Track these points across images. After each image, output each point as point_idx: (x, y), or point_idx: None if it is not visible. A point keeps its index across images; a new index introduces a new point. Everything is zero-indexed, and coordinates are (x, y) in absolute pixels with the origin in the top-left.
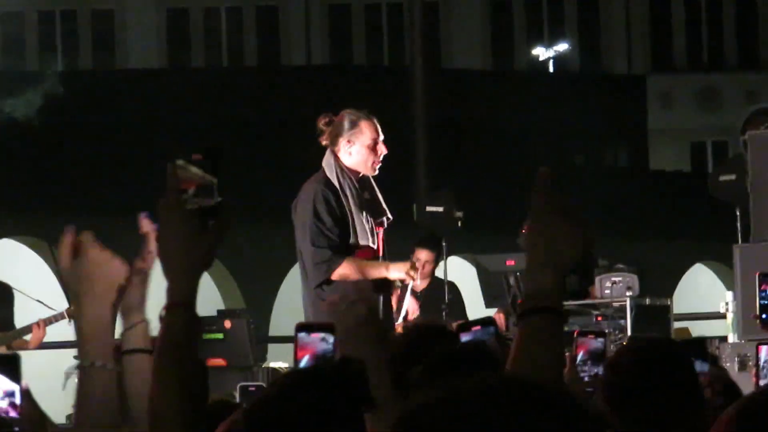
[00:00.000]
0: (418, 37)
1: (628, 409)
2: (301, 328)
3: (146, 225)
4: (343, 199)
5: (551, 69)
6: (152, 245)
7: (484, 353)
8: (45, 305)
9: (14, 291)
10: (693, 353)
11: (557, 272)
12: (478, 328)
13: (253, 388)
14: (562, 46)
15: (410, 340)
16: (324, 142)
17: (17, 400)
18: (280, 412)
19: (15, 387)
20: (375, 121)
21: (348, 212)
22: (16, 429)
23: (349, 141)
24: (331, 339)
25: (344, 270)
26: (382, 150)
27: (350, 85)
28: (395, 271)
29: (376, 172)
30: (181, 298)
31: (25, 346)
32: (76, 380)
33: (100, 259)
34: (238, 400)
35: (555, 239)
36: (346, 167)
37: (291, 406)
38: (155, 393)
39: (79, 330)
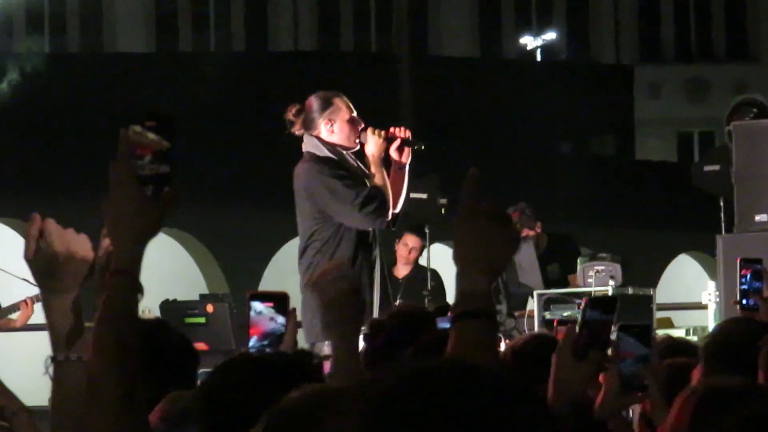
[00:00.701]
0: (406, 24)
1: None
2: (253, 296)
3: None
4: (347, 165)
5: (539, 58)
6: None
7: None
8: (31, 283)
9: None
10: (636, 337)
11: (489, 275)
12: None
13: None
14: (550, 35)
15: (395, 325)
16: (298, 132)
17: None
18: (227, 400)
19: None
20: (344, 97)
21: (358, 175)
22: None
23: (329, 120)
24: (280, 319)
25: (387, 193)
26: (360, 122)
27: (337, 72)
28: (372, 147)
29: (358, 146)
30: (126, 265)
31: (12, 325)
32: (52, 375)
33: (63, 246)
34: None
35: (485, 242)
36: (334, 144)
37: (239, 395)
38: (93, 360)
39: (49, 325)
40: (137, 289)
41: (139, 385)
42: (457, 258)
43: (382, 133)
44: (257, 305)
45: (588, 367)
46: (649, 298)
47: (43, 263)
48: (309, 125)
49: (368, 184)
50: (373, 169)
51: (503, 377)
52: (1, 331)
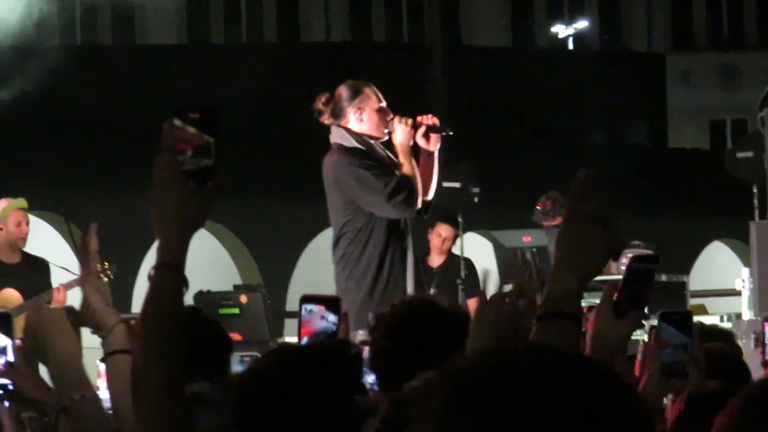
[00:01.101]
0: (438, 14)
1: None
2: (305, 299)
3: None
4: (376, 155)
5: (571, 46)
6: (92, 253)
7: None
8: (69, 271)
9: (48, 263)
10: (677, 326)
11: (581, 279)
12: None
13: (247, 358)
14: (582, 24)
15: (398, 316)
16: (326, 121)
17: (10, 357)
18: (267, 389)
19: (7, 342)
20: (374, 86)
21: (387, 165)
22: (8, 385)
23: (358, 109)
24: (331, 317)
25: (417, 182)
26: (389, 112)
27: (369, 62)
28: (400, 136)
29: (387, 136)
30: (171, 259)
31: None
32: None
33: (49, 326)
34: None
35: (583, 246)
36: (362, 134)
37: (279, 383)
38: (138, 353)
39: (50, 373)
40: (183, 283)
41: (185, 378)
42: (555, 257)
43: (409, 121)
44: (308, 306)
45: (627, 325)
46: (683, 285)
47: (36, 350)
48: (338, 114)
49: (397, 173)
50: (401, 158)
51: (600, 367)
52: None
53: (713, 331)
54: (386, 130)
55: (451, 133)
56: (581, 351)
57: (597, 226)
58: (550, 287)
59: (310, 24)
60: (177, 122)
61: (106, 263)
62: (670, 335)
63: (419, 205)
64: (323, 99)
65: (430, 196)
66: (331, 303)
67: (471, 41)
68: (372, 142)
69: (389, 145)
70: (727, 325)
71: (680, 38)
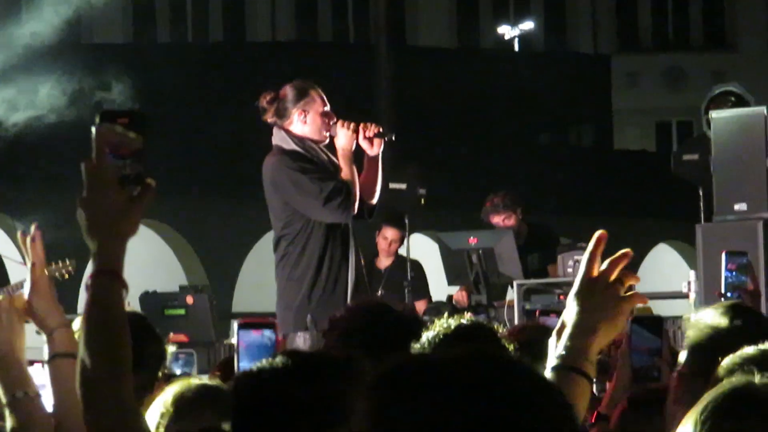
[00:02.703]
0: (383, 13)
1: None
2: (242, 326)
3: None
4: (315, 158)
5: (517, 47)
6: (36, 255)
7: (483, 329)
8: (25, 264)
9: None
10: (649, 330)
11: (598, 340)
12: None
13: (183, 356)
14: (528, 25)
15: (352, 318)
16: (270, 120)
17: None
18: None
19: None
20: (319, 89)
21: (326, 168)
22: None
23: (302, 111)
24: (267, 333)
25: (352, 182)
26: (333, 116)
27: (315, 62)
28: (342, 140)
29: (328, 139)
30: (109, 265)
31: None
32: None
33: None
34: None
35: (602, 312)
36: (302, 137)
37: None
38: (85, 360)
39: None
40: (122, 287)
41: (131, 379)
42: (574, 318)
43: (351, 125)
44: (246, 329)
45: None
46: (630, 288)
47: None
48: (282, 114)
49: (337, 177)
50: (341, 163)
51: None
52: None
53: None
54: (327, 134)
55: (393, 139)
56: (590, 409)
57: (613, 290)
58: (569, 341)
59: (256, 23)
60: (117, 128)
61: (67, 261)
62: (643, 339)
63: (356, 209)
64: (268, 98)
65: (375, 199)
66: (268, 327)
67: (417, 41)
68: (313, 145)
69: (332, 148)
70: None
71: (626, 40)
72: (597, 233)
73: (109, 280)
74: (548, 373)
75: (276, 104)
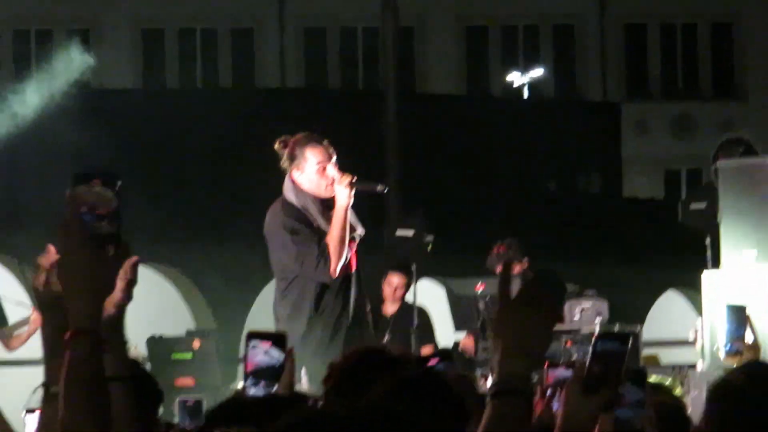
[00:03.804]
0: (392, 61)
1: None
2: (251, 335)
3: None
4: (307, 215)
5: (526, 95)
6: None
7: (440, 384)
8: (25, 304)
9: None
10: (632, 382)
11: (528, 359)
12: (435, 361)
13: (191, 403)
14: (537, 72)
15: (353, 367)
16: (283, 165)
17: None
18: None
19: None
20: (323, 144)
21: (315, 224)
22: None
23: (297, 168)
24: (275, 353)
25: (333, 252)
26: (332, 172)
27: (324, 108)
28: (341, 199)
29: (332, 194)
30: (85, 325)
31: (18, 341)
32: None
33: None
34: (177, 414)
35: (525, 329)
36: (304, 191)
37: None
38: (65, 417)
39: (46, 357)
40: (100, 347)
41: None
42: (499, 343)
43: (346, 179)
44: (253, 342)
45: (597, 403)
46: (636, 335)
47: (49, 296)
48: (290, 162)
49: (318, 242)
50: (333, 220)
51: None
52: (10, 348)
53: (657, 386)
54: (330, 188)
55: (385, 191)
56: (531, 428)
57: (532, 307)
58: (500, 368)
59: (266, 70)
60: (81, 187)
61: None
62: (627, 392)
63: (336, 272)
64: (280, 144)
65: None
66: (276, 339)
67: (426, 88)
68: (309, 202)
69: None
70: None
71: (635, 88)
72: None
73: (86, 339)
74: (488, 402)
75: (287, 151)
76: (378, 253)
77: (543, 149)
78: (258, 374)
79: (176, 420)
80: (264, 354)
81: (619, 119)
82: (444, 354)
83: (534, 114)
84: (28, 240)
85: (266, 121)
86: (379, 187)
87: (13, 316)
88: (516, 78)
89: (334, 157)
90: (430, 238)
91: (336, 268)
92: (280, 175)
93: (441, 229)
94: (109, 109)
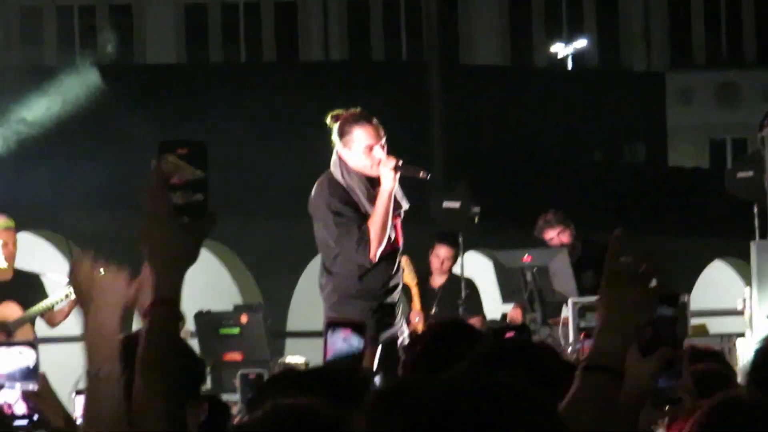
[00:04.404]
0: (436, 32)
1: None
2: (331, 324)
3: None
4: (352, 195)
5: (570, 65)
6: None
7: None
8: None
9: (41, 277)
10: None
11: (625, 336)
12: (512, 334)
13: (252, 376)
14: (581, 43)
15: (433, 338)
16: (334, 138)
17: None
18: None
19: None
20: (373, 123)
21: (359, 205)
22: (34, 416)
23: (345, 146)
24: (355, 341)
25: (374, 237)
26: (378, 154)
27: (368, 81)
28: (386, 182)
29: (377, 174)
30: (166, 294)
31: (57, 318)
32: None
33: (105, 279)
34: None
35: (626, 305)
36: (351, 168)
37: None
38: (139, 387)
39: (85, 338)
40: (178, 318)
41: (186, 410)
42: (599, 316)
43: (391, 162)
44: (333, 329)
45: (655, 362)
46: (684, 305)
47: (82, 281)
48: (337, 138)
49: (360, 225)
50: (377, 203)
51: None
52: (53, 323)
53: (706, 353)
54: (376, 168)
55: (428, 178)
56: (621, 403)
57: (638, 283)
58: (595, 342)
59: (309, 43)
60: (170, 158)
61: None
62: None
63: (376, 256)
64: (332, 118)
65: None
66: (356, 327)
67: (470, 60)
68: (356, 181)
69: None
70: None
71: (679, 57)
72: (615, 232)
73: (166, 309)
74: (576, 376)
75: (338, 125)
76: (425, 225)
77: (587, 120)
78: (337, 361)
79: (236, 395)
80: (343, 341)
81: (663, 89)
82: (520, 327)
83: (578, 84)
84: (74, 216)
85: (310, 95)
86: (423, 174)
87: (54, 292)
88: (560, 48)
89: (383, 138)
90: (476, 209)
91: (376, 252)
92: (325, 149)
93: (487, 200)
94: (153, 85)
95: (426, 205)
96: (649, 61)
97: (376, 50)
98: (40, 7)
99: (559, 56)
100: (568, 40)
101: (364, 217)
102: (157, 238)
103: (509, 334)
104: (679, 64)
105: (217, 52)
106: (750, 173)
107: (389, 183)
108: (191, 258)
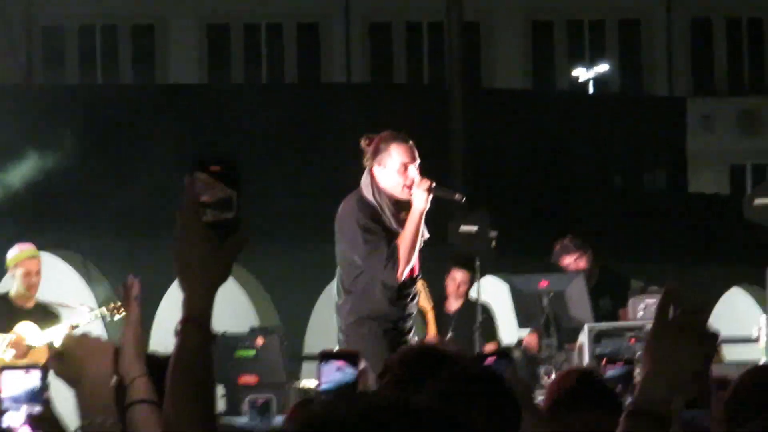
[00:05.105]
0: (458, 56)
1: None
2: (324, 356)
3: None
4: (382, 215)
5: (591, 90)
6: (131, 306)
7: (496, 383)
8: (85, 306)
9: (60, 312)
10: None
11: (674, 388)
12: (493, 359)
13: (261, 401)
14: (603, 67)
15: (407, 364)
16: (366, 164)
17: (38, 406)
18: None
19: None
20: (409, 144)
21: (388, 228)
22: None
23: (380, 164)
24: (349, 370)
25: (402, 256)
26: (413, 174)
27: (390, 104)
28: (419, 203)
29: (409, 196)
30: (197, 313)
31: None
32: None
33: (82, 349)
34: (246, 413)
35: (677, 355)
36: (382, 188)
37: None
38: (169, 407)
39: (77, 396)
40: (209, 337)
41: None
42: (647, 362)
43: (425, 184)
44: (327, 360)
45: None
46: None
47: (66, 373)
48: (370, 161)
49: (389, 243)
50: (408, 225)
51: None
52: None
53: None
54: (408, 191)
55: (463, 200)
56: None
57: (690, 336)
58: (642, 387)
59: (331, 65)
60: (201, 176)
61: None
62: None
63: (402, 276)
64: (366, 141)
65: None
66: (349, 357)
67: (491, 84)
68: (387, 201)
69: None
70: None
71: (701, 83)
72: (667, 284)
73: (196, 328)
74: (622, 420)
75: (370, 149)
76: (442, 249)
77: (608, 144)
78: (331, 390)
79: (245, 419)
80: (337, 370)
81: (684, 114)
82: (503, 353)
83: (599, 109)
84: (92, 236)
85: (332, 117)
86: (458, 196)
87: (69, 318)
88: (582, 73)
89: (418, 160)
90: (494, 234)
91: (402, 272)
92: (346, 171)
93: (505, 225)
94: (175, 105)
95: (443, 228)
96: (671, 87)
97: (398, 73)
98: (62, 26)
99: (581, 80)
100: (590, 65)
101: (393, 236)
102: (188, 257)
103: (490, 360)
104: (701, 89)
105: (238, 73)
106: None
107: (422, 204)
108: (222, 276)
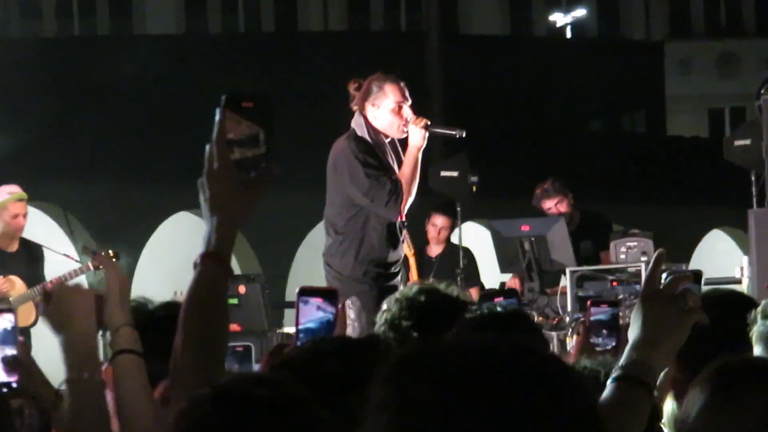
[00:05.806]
0: (435, 2)
1: None
2: (303, 291)
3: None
4: (379, 153)
5: (569, 35)
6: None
7: (521, 319)
8: (70, 258)
9: (43, 249)
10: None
11: (661, 353)
12: (500, 299)
13: (240, 348)
14: (580, 12)
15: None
16: (354, 107)
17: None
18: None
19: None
20: (401, 84)
21: (386, 165)
22: (13, 383)
23: (373, 104)
24: (329, 308)
25: (405, 191)
26: (408, 113)
27: (367, 51)
28: (416, 139)
29: (404, 134)
30: (217, 249)
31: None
32: (66, 394)
33: (72, 297)
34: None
35: (664, 323)
36: (376, 128)
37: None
38: (179, 342)
39: (64, 345)
40: (227, 273)
41: (222, 367)
42: (634, 328)
43: (422, 122)
44: (305, 298)
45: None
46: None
47: (53, 316)
48: (361, 104)
49: (391, 177)
50: (406, 162)
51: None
52: None
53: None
54: (404, 129)
55: (463, 136)
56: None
57: (677, 303)
58: (629, 353)
59: (308, 13)
60: (228, 112)
61: (111, 252)
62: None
63: (403, 212)
64: (354, 85)
65: (410, 198)
66: (328, 295)
67: (469, 30)
68: (383, 139)
69: (403, 142)
70: None
71: (678, 26)
72: (658, 252)
73: (215, 263)
74: (609, 384)
75: (359, 92)
76: (422, 195)
77: (586, 89)
78: (310, 329)
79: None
80: (317, 309)
81: (662, 58)
82: (510, 291)
83: (577, 54)
84: (72, 188)
85: (310, 66)
86: (457, 132)
87: (50, 271)
88: (559, 18)
89: (410, 101)
90: (474, 179)
91: (404, 208)
92: (325, 119)
93: (486, 169)
94: (151, 54)
95: (424, 174)
96: (648, 31)
97: (375, 20)
98: None
99: (558, 25)
100: (567, 10)
101: (392, 174)
102: (215, 192)
103: (498, 299)
104: (678, 33)
105: (215, 23)
106: (748, 141)
107: (418, 140)
108: (245, 215)
